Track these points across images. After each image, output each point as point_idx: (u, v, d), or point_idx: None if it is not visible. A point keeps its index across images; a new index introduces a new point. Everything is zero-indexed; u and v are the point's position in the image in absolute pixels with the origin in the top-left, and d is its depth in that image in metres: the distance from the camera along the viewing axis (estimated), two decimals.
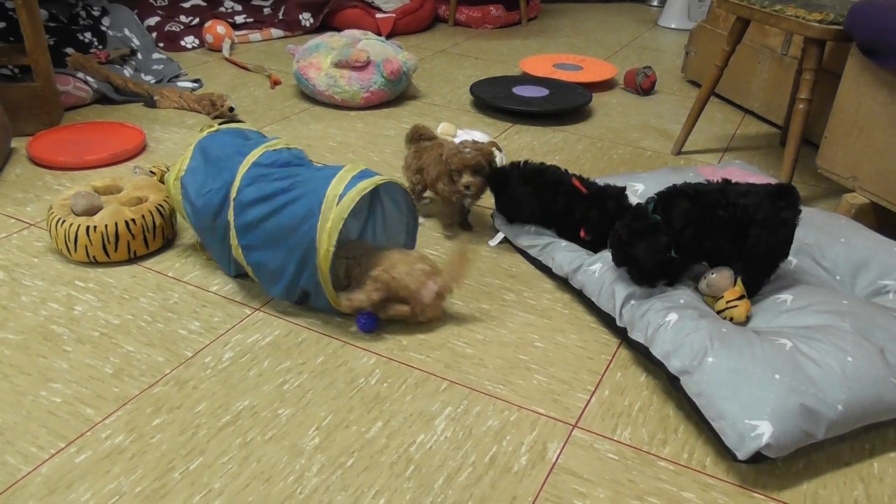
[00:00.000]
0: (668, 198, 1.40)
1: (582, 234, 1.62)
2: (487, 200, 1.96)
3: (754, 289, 1.43)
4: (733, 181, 1.43)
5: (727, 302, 1.39)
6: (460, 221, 1.83)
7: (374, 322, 1.43)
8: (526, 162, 1.71)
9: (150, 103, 2.53)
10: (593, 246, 1.61)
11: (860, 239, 1.55)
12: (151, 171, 1.95)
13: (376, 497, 1.09)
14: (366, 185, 1.36)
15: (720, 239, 1.39)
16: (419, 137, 1.87)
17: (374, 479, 1.12)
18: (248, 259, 1.45)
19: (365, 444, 1.18)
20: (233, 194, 1.44)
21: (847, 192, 1.80)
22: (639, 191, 1.79)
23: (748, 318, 1.39)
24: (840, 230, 1.58)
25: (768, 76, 2.51)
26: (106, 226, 1.58)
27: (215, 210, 1.47)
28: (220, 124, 1.64)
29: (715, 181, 1.43)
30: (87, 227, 1.58)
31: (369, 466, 1.14)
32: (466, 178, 1.66)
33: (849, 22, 1.69)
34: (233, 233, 1.45)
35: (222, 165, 1.48)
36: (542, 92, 2.69)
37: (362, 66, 2.55)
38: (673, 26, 3.93)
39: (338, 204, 1.33)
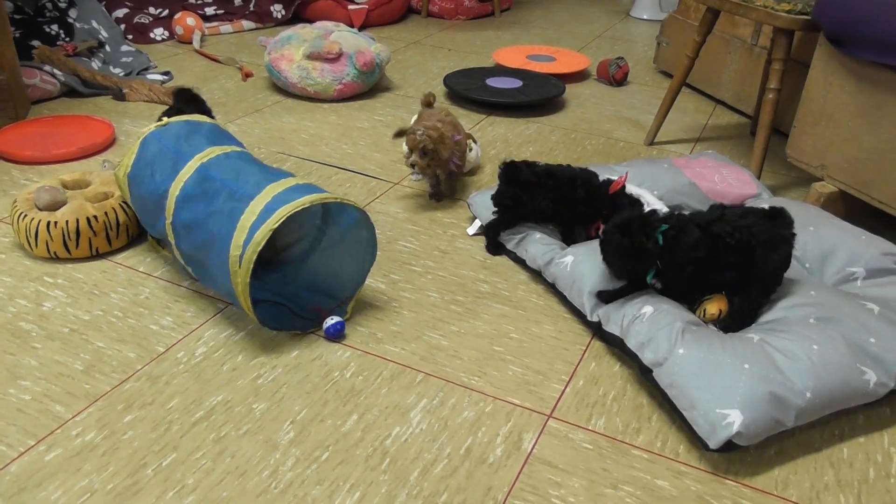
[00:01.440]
0: (681, 226, 1.34)
1: (600, 228, 1.59)
2: (466, 191, 1.96)
3: (751, 314, 1.37)
4: (726, 204, 1.39)
5: (705, 300, 1.40)
6: (432, 193, 1.94)
7: (342, 327, 1.41)
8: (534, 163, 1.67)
9: (119, 96, 2.49)
10: (568, 239, 1.63)
11: (828, 227, 1.58)
12: None
13: (352, 490, 1.09)
14: (260, 238, 1.25)
15: (726, 268, 1.33)
16: (426, 104, 1.96)
17: (349, 472, 1.12)
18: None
19: (340, 437, 1.18)
20: (168, 217, 1.41)
21: (816, 181, 1.82)
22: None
23: (720, 314, 1.37)
24: (809, 219, 1.60)
25: (738, 66, 2.53)
26: (67, 222, 1.56)
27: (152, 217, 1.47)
28: (167, 116, 1.58)
29: (715, 206, 1.38)
30: (48, 223, 1.55)
31: (344, 460, 1.14)
32: (413, 158, 1.76)
33: (816, 12, 1.71)
34: (178, 256, 1.44)
35: (156, 171, 1.45)
36: (515, 83, 2.69)
37: (335, 58, 2.53)
38: (645, 17, 3.95)
39: (240, 265, 1.27)
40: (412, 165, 1.77)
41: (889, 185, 1.64)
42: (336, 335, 1.39)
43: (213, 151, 1.44)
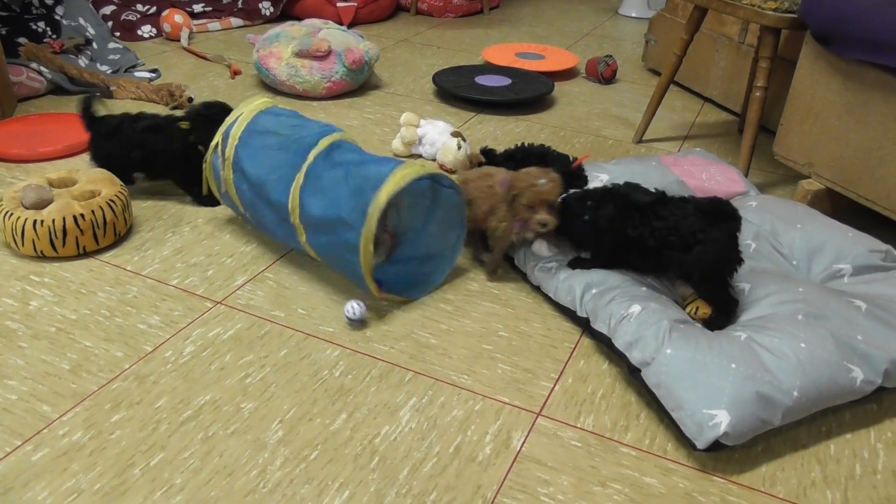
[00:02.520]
0: (601, 199, 1.45)
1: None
2: None
3: (715, 305, 1.39)
4: (669, 196, 1.43)
5: (696, 296, 1.42)
6: (493, 269, 1.60)
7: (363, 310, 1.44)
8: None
9: (107, 94, 2.48)
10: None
11: (816, 225, 1.58)
12: None
13: (340, 489, 1.09)
14: (412, 170, 1.38)
15: (632, 247, 1.42)
16: (473, 164, 1.71)
17: (338, 471, 1.12)
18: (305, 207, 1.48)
19: (329, 436, 1.18)
20: (320, 147, 1.48)
21: (803, 179, 1.83)
22: (604, 180, 1.80)
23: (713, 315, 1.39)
24: (797, 216, 1.61)
25: (726, 64, 2.54)
26: (53, 220, 1.55)
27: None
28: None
29: (654, 190, 1.45)
30: (35, 221, 1.54)
31: (333, 459, 1.14)
32: (542, 216, 1.42)
33: (803, 10, 1.71)
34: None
35: (305, 127, 1.60)
36: (504, 81, 2.69)
37: (323, 56, 2.52)
38: (633, 15, 3.95)
39: (385, 185, 1.36)
40: (543, 224, 1.43)
41: (875, 183, 1.65)
42: (359, 320, 1.43)
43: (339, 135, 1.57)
